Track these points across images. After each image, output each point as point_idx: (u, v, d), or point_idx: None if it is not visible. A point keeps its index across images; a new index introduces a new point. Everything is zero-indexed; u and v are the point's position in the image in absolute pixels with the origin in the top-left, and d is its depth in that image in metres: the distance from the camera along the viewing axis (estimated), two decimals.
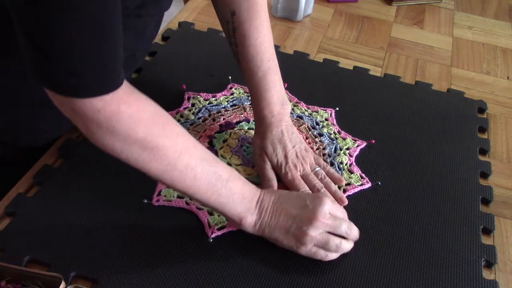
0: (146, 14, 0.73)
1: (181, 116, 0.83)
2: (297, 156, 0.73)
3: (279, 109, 0.74)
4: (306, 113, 0.86)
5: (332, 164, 0.78)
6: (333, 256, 0.64)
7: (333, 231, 0.63)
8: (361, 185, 0.75)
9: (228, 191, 0.60)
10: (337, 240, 0.63)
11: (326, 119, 0.86)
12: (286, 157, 0.73)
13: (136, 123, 0.54)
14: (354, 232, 0.65)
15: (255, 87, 0.74)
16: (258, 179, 0.74)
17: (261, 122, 0.74)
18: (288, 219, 0.62)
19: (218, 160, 0.62)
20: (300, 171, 0.72)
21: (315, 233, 0.62)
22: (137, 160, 0.56)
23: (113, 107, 0.52)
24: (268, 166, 0.73)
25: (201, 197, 0.60)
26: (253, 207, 0.63)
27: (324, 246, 0.62)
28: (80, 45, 0.48)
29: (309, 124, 0.84)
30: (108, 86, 0.51)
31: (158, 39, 1.02)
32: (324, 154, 0.79)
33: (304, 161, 0.73)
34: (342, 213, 0.66)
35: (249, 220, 0.62)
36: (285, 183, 0.72)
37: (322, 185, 0.72)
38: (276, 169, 0.73)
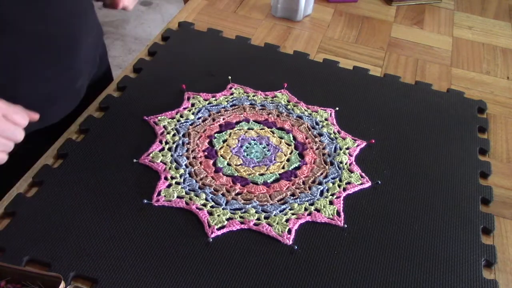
0: None
1: (181, 116, 0.83)
2: None
3: None
4: (306, 113, 0.86)
5: (332, 164, 0.78)
6: None
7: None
8: (361, 184, 0.75)
9: None
10: None
11: (326, 119, 0.86)
12: None
13: None
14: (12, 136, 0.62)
15: None
16: (259, 179, 0.74)
17: None
18: None
19: None
20: None
21: None
22: None
23: None
24: None
25: None
26: None
27: None
28: None
29: (309, 124, 0.84)
30: None
31: (158, 39, 1.02)
32: (324, 154, 0.79)
33: None
34: (20, 119, 0.64)
35: None
36: None
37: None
38: None
